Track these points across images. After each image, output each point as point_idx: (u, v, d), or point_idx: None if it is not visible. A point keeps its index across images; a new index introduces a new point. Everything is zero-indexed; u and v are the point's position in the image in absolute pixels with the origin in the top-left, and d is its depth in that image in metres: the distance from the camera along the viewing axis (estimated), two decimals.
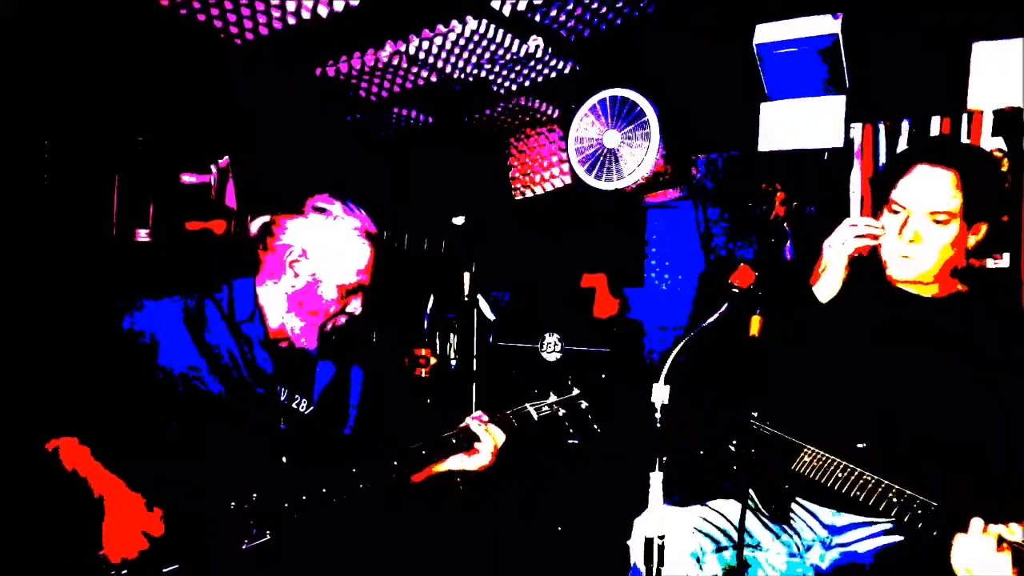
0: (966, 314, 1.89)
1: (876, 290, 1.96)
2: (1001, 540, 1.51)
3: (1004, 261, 2.65)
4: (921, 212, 1.84)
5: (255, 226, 2.00)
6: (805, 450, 1.86)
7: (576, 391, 2.22)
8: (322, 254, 1.94)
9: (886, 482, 1.68)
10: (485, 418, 2.11)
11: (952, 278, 1.95)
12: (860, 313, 1.95)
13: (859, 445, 1.79)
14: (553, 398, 2.20)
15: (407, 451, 1.98)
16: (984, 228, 1.89)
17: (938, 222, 1.83)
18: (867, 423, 1.83)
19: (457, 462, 2.06)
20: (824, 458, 1.81)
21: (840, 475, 1.76)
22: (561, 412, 2.18)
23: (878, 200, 1.99)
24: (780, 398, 1.96)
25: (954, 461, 1.72)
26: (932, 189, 1.83)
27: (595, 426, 2.22)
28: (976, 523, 1.55)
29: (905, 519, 1.63)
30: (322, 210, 1.96)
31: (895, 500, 1.66)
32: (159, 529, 1.68)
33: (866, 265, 1.94)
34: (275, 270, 1.96)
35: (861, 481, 1.72)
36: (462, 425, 2.09)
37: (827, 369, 1.94)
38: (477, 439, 2.05)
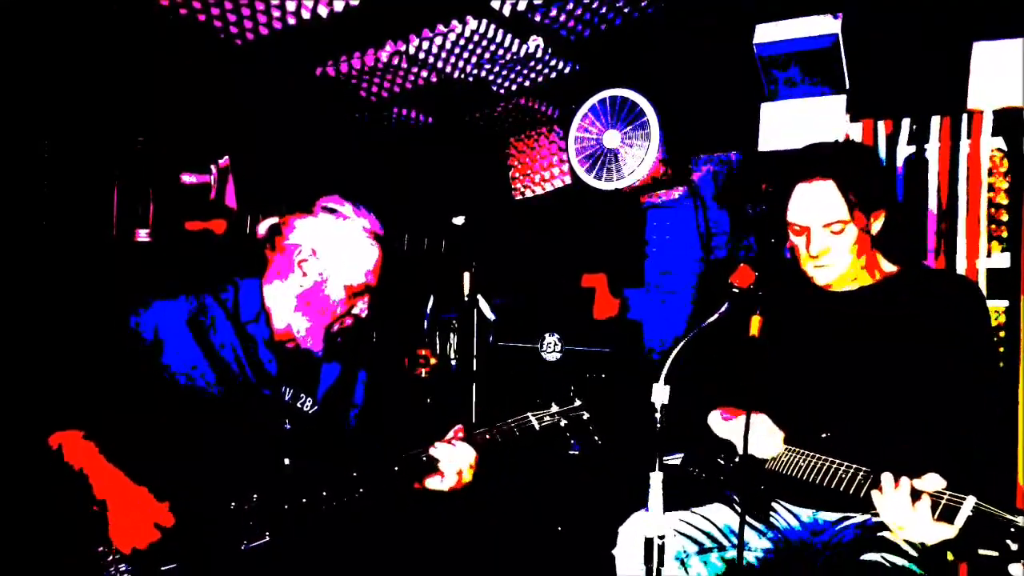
0: (901, 293, 1.97)
1: (810, 297, 2.05)
2: (916, 491, 1.58)
3: (1004, 261, 2.66)
4: (818, 227, 1.91)
5: (263, 227, 2.00)
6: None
7: (578, 402, 2.21)
8: (331, 254, 1.94)
9: (837, 462, 1.78)
10: (461, 435, 2.05)
11: (876, 264, 2.02)
12: (801, 322, 2.05)
13: (823, 435, 1.88)
14: (555, 408, 2.19)
15: (388, 465, 1.97)
16: (882, 214, 1.97)
17: (835, 232, 1.90)
18: (828, 413, 1.92)
19: (433, 483, 2.02)
20: (792, 452, 1.90)
21: (803, 464, 1.85)
22: (563, 423, 2.17)
23: None
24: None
25: (900, 432, 1.79)
26: (818, 203, 1.90)
27: (596, 437, 2.22)
28: (886, 477, 1.63)
29: (852, 491, 1.72)
30: (332, 210, 1.95)
31: (843, 476, 1.75)
32: (169, 519, 1.69)
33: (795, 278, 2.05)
34: (283, 269, 1.95)
35: (819, 466, 1.81)
36: (431, 448, 2.02)
37: (788, 373, 2.02)
38: (437, 462, 1.99)
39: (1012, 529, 1.44)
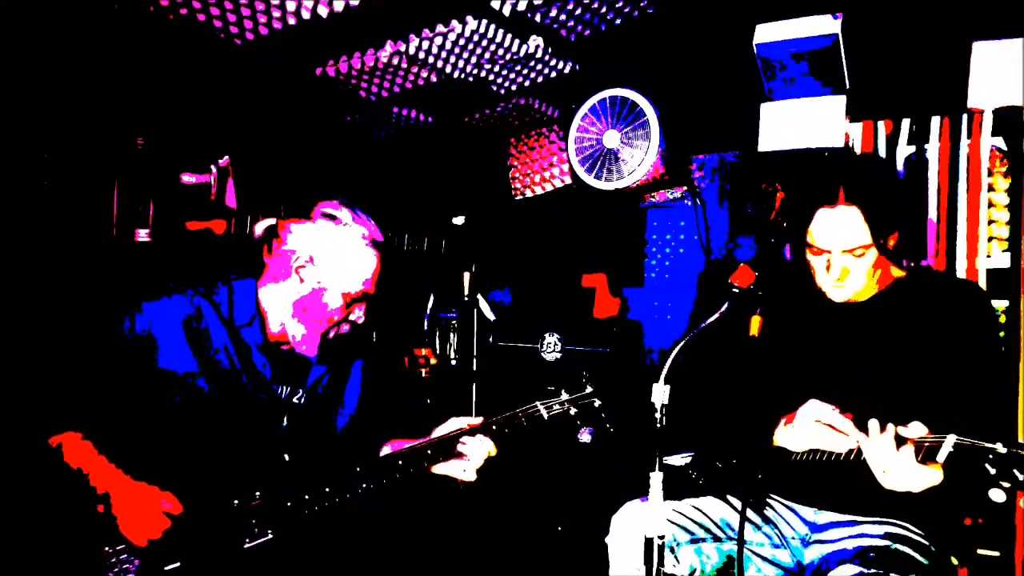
0: (908, 298, 1.99)
1: (817, 307, 2.05)
2: (900, 437, 1.66)
3: (1004, 261, 2.66)
4: (838, 251, 1.90)
5: (260, 228, 1.99)
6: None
7: (590, 389, 2.17)
8: (329, 261, 1.92)
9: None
10: (476, 423, 2.03)
11: (886, 272, 2.03)
12: (809, 326, 2.06)
13: None
14: (565, 396, 2.15)
15: (404, 453, 1.96)
16: (898, 233, 1.96)
17: (857, 256, 1.90)
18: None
19: (444, 469, 2.00)
20: None
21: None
22: (573, 411, 2.13)
23: None
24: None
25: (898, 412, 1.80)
26: (841, 230, 1.89)
27: (608, 426, 2.18)
28: (872, 424, 1.70)
29: (842, 457, 1.79)
30: (331, 216, 1.93)
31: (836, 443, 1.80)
32: (178, 507, 1.70)
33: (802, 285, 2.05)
34: (279, 274, 1.95)
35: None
36: (450, 432, 2.00)
37: (793, 375, 2.02)
38: (461, 453, 1.97)
39: (991, 455, 1.52)
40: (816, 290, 2.02)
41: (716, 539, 1.96)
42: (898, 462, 1.65)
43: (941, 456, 1.59)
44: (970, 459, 1.55)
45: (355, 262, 1.94)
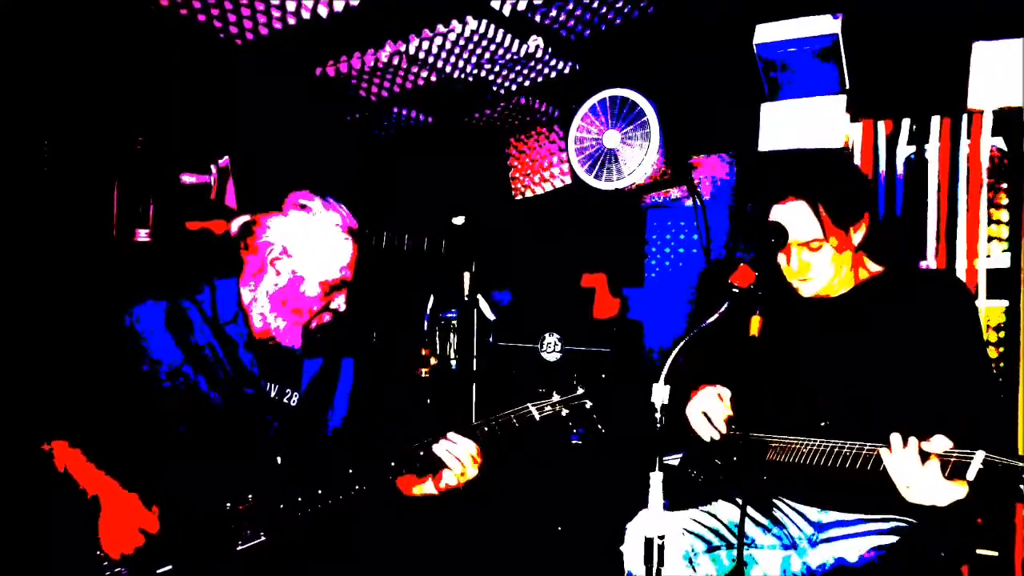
0: (882, 291, 2.01)
1: (801, 305, 2.07)
2: (924, 452, 1.61)
3: (1004, 261, 2.65)
4: (795, 245, 1.96)
5: (235, 225, 1.99)
6: (772, 441, 1.97)
7: (581, 390, 2.18)
8: (303, 251, 1.92)
9: (839, 443, 1.81)
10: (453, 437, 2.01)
11: (860, 269, 2.05)
12: (794, 323, 2.08)
13: (822, 424, 1.91)
14: (556, 397, 2.15)
15: (400, 453, 1.96)
16: (863, 224, 1.98)
17: (812, 249, 1.94)
18: (825, 408, 1.94)
19: (426, 487, 2.01)
20: (788, 441, 1.93)
21: (803, 451, 1.87)
22: (564, 412, 2.14)
23: None
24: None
25: (894, 412, 1.79)
26: (792, 224, 1.93)
27: (599, 426, 2.19)
28: (895, 438, 1.66)
29: (858, 466, 1.74)
30: (302, 206, 1.94)
31: (848, 453, 1.77)
32: (155, 526, 1.69)
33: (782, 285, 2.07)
34: (256, 269, 1.95)
35: (820, 449, 1.84)
36: (433, 445, 1.99)
37: (784, 373, 2.04)
38: (442, 463, 1.96)
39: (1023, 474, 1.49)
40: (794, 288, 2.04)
41: (730, 545, 1.96)
42: (924, 478, 1.60)
43: (971, 474, 1.55)
44: (1001, 477, 1.52)
45: (330, 249, 1.94)
